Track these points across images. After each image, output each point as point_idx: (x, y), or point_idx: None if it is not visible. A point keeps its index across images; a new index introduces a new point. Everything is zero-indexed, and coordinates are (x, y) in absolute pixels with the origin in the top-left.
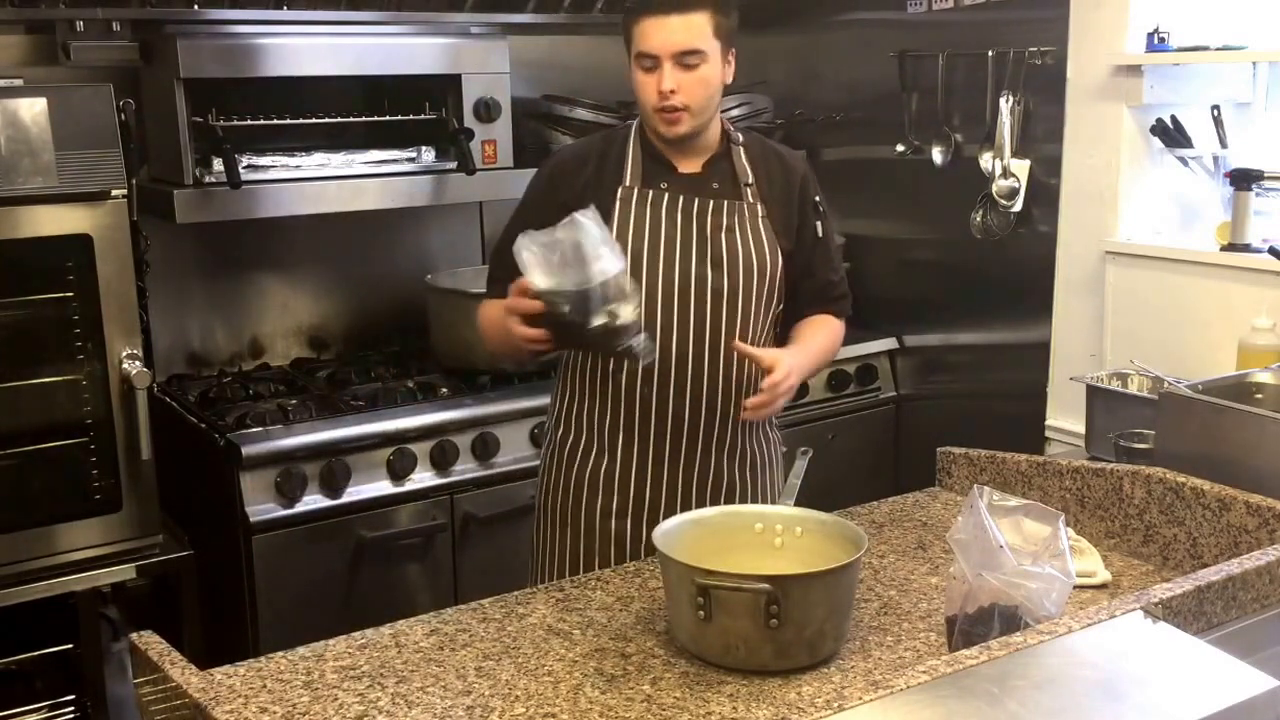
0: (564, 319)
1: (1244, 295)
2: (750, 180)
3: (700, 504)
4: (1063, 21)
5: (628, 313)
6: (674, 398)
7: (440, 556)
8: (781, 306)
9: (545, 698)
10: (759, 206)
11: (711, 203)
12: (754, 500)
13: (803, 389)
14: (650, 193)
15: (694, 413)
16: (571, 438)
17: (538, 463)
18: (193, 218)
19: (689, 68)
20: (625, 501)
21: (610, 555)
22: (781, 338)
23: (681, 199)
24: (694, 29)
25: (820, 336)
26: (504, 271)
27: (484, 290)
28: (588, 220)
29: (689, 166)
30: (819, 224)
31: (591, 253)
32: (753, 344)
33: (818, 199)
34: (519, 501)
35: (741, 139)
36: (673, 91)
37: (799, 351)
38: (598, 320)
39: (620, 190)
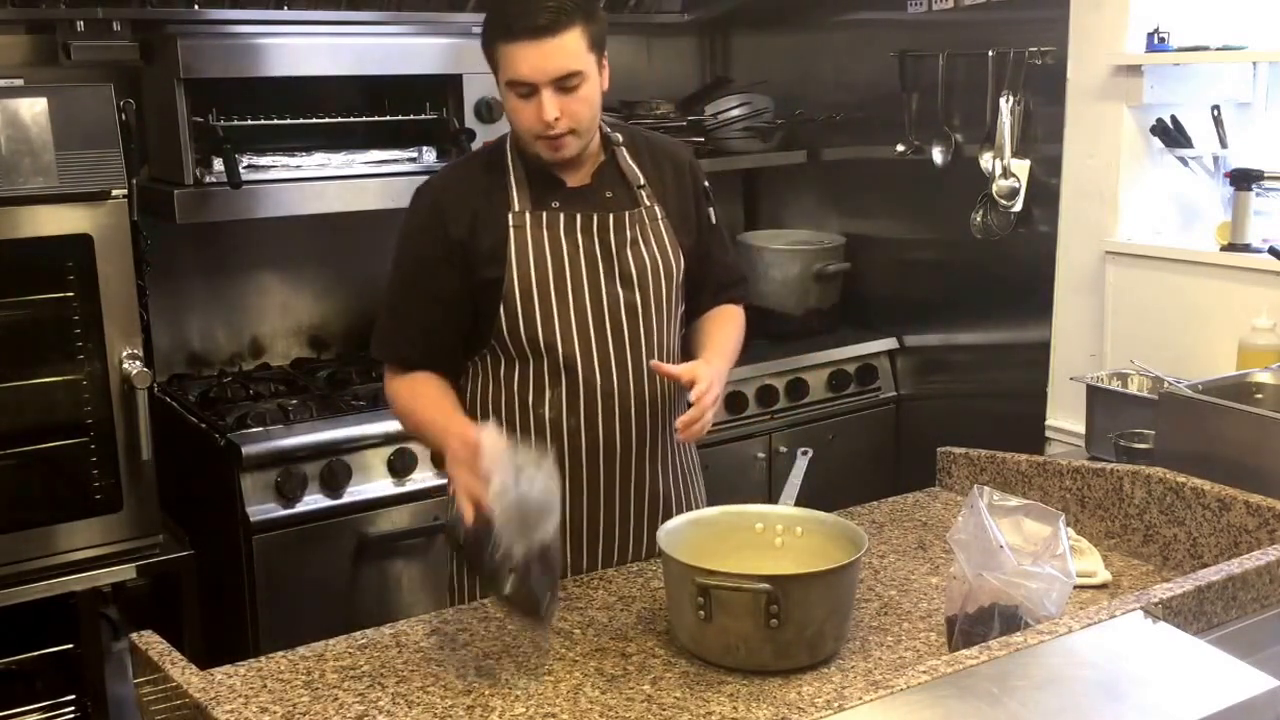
0: (489, 557)
1: (1244, 295)
2: (642, 181)
3: (638, 520)
4: (1063, 21)
5: (542, 585)
6: (602, 423)
7: (440, 556)
8: (683, 306)
9: (545, 697)
10: (656, 209)
11: (611, 216)
12: (688, 508)
13: (803, 389)
14: (544, 214)
15: (623, 434)
16: None
17: None
18: (193, 218)
19: (569, 90)
20: (575, 535)
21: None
22: (684, 334)
23: (579, 217)
24: (568, 50)
25: (729, 331)
26: (407, 340)
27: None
28: (547, 481)
29: (577, 179)
30: (711, 210)
31: (539, 516)
32: (664, 351)
33: (706, 184)
34: None
35: (621, 138)
36: (557, 119)
37: (714, 357)
38: (508, 585)
39: (511, 217)
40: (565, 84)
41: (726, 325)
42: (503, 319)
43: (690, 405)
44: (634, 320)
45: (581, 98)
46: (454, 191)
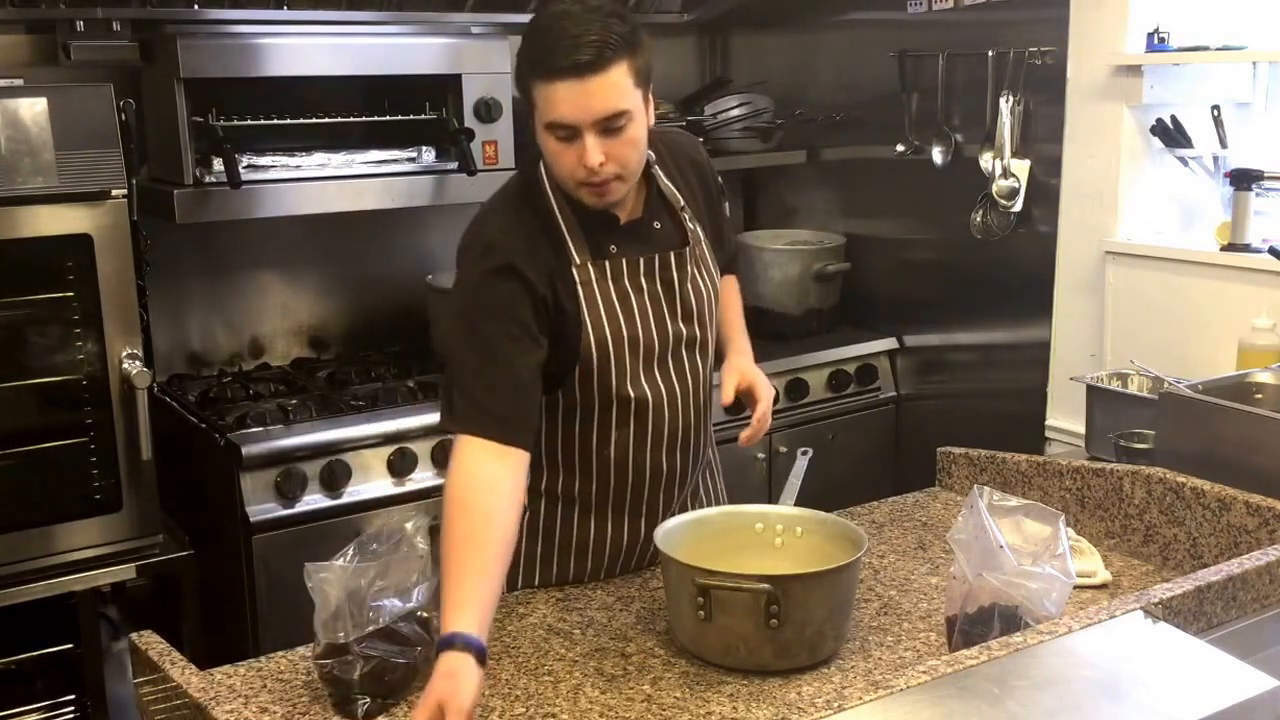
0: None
1: (1244, 295)
2: (682, 204)
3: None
4: (1063, 21)
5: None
6: (665, 454)
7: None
8: None
9: (545, 697)
10: (698, 231)
11: (672, 255)
12: (717, 502)
13: (803, 389)
14: (607, 263)
15: (681, 460)
16: (546, 509)
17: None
18: (193, 218)
19: (615, 131)
20: (617, 554)
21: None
22: None
23: (641, 262)
24: (614, 89)
25: (738, 307)
26: (493, 399)
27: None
28: None
29: (626, 213)
30: (726, 204)
31: None
32: (711, 365)
33: (719, 180)
34: None
35: (653, 155)
36: (602, 164)
37: (747, 351)
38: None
39: (575, 271)
40: (611, 125)
41: (735, 306)
42: (577, 374)
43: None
44: (692, 352)
45: (628, 139)
46: (521, 244)
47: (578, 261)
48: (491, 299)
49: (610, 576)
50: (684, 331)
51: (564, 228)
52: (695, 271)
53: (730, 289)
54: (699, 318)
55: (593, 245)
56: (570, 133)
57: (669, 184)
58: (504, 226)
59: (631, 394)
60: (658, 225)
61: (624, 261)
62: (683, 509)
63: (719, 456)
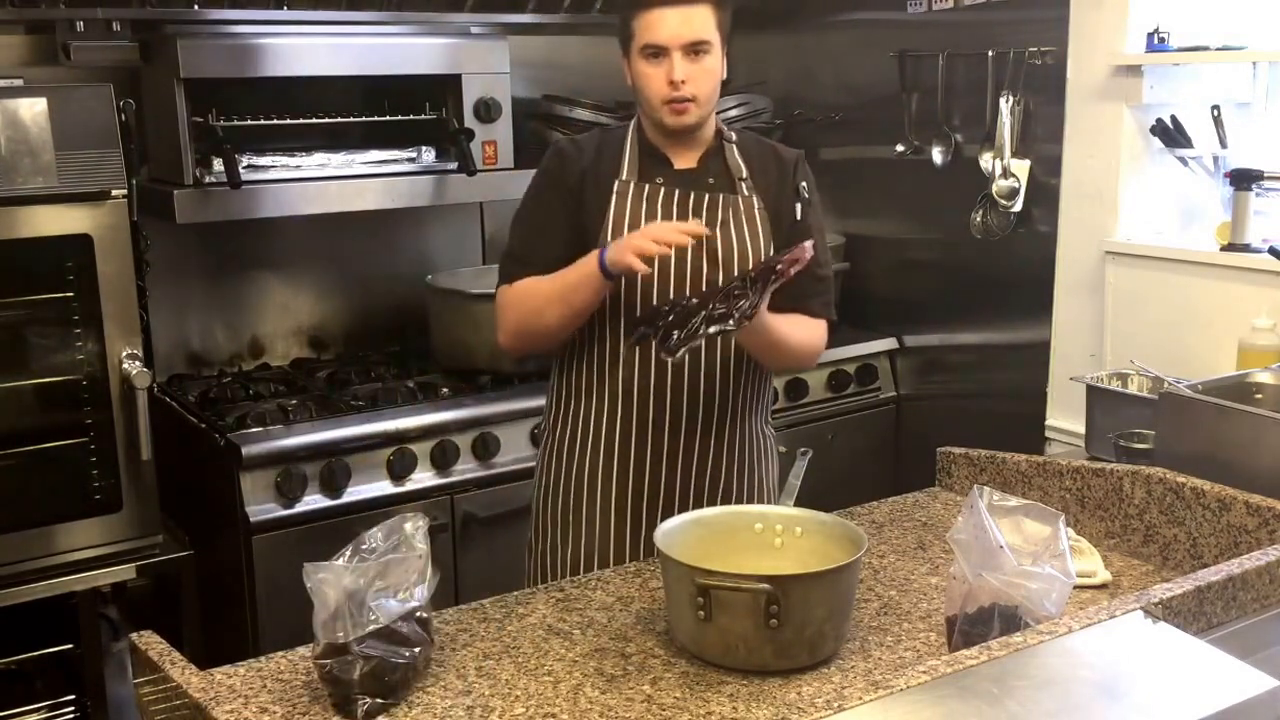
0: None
1: (1244, 295)
2: (745, 175)
3: (699, 501)
4: (1063, 21)
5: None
6: (673, 393)
7: (440, 556)
8: None
9: (545, 697)
10: (754, 199)
11: (707, 196)
12: (751, 498)
13: (802, 389)
14: (646, 186)
15: (692, 406)
16: (569, 438)
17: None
18: (193, 218)
19: (696, 57)
20: (625, 499)
21: (610, 555)
22: None
23: (677, 193)
24: (700, 19)
25: (793, 323)
26: (534, 254)
27: (489, 290)
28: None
29: (685, 162)
30: (799, 207)
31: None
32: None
33: (803, 185)
34: (519, 502)
35: (735, 137)
36: (683, 82)
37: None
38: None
39: (617, 184)
40: (694, 49)
41: (799, 325)
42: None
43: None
44: None
45: (706, 68)
46: (571, 150)
47: (623, 177)
48: (535, 184)
49: (635, 529)
50: (706, 270)
51: (626, 154)
52: (733, 222)
53: (802, 319)
54: (725, 265)
55: (643, 171)
56: (660, 53)
57: (738, 159)
58: (570, 139)
59: (639, 301)
60: (711, 180)
61: (663, 189)
62: (710, 486)
63: (767, 448)
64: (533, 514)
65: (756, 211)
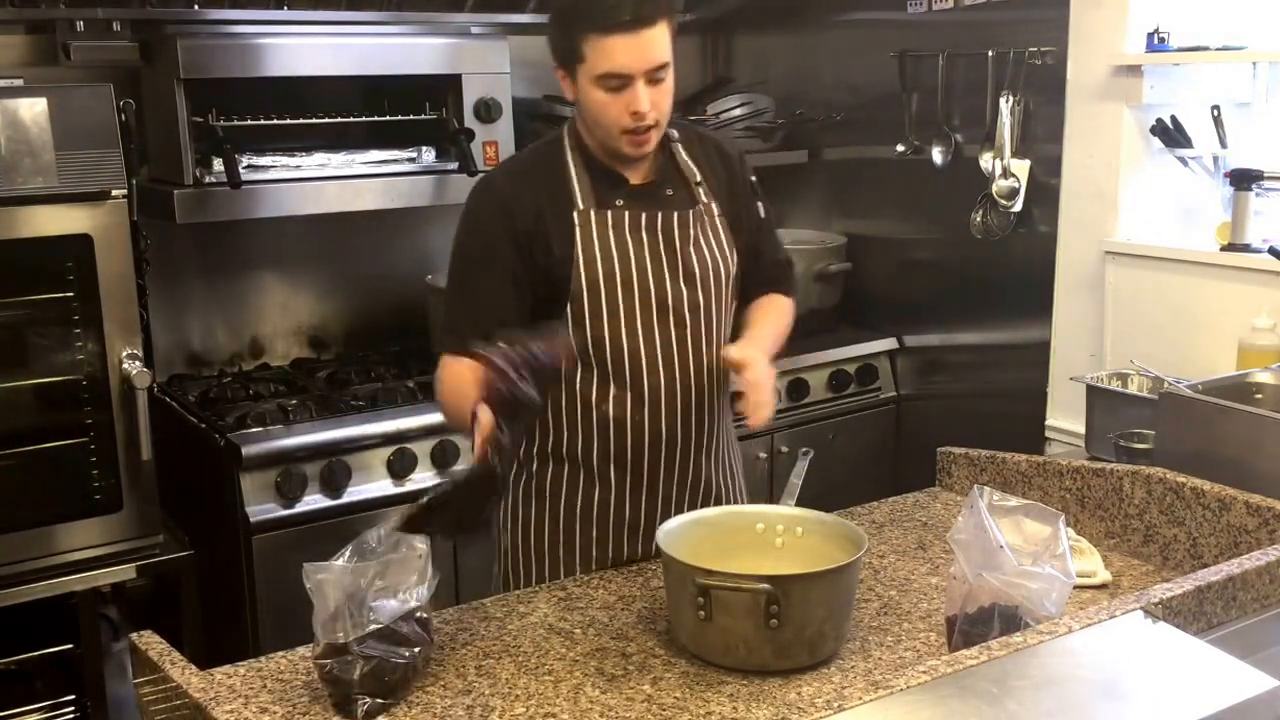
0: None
1: (1244, 295)
2: (699, 178)
3: (690, 508)
4: (1063, 21)
5: None
6: (664, 417)
7: (440, 556)
8: (736, 302)
9: (545, 697)
10: (712, 205)
11: (676, 215)
12: (738, 502)
13: (803, 389)
14: (609, 214)
15: (683, 427)
16: (551, 472)
17: None
18: (193, 218)
19: (658, 82)
20: (621, 527)
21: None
22: (734, 325)
23: (644, 216)
24: (661, 41)
25: (771, 316)
26: (471, 321)
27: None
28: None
29: (638, 176)
30: (760, 204)
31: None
32: (720, 347)
33: (753, 179)
34: None
35: (676, 134)
36: (649, 111)
37: (756, 338)
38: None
39: (576, 215)
40: (656, 75)
41: (770, 310)
42: (569, 318)
43: (737, 395)
44: (695, 317)
45: (666, 90)
46: (517, 184)
47: (580, 208)
48: (474, 229)
49: (616, 556)
50: (685, 293)
51: (574, 180)
52: (701, 237)
53: (767, 302)
54: (702, 283)
55: (599, 196)
56: (622, 82)
57: (687, 159)
58: (507, 170)
59: (626, 347)
60: (669, 192)
61: (626, 214)
62: (701, 500)
63: (738, 455)
64: (502, 560)
65: (717, 220)
